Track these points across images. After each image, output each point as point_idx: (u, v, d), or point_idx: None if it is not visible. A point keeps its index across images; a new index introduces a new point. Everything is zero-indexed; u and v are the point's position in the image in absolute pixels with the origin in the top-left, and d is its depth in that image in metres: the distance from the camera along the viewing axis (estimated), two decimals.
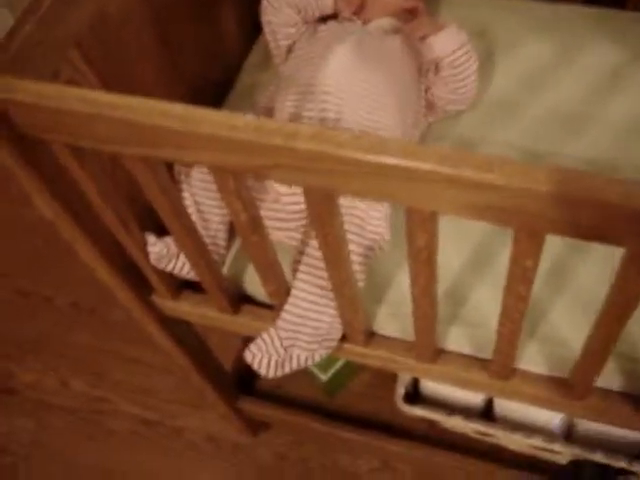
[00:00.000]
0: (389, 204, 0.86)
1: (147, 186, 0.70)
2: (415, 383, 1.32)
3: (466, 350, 0.88)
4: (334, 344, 0.88)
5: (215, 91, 1.12)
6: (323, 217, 0.63)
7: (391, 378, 1.35)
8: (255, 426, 1.56)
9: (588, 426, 1.18)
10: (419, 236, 0.61)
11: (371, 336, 0.91)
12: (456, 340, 0.87)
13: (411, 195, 0.55)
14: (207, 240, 0.88)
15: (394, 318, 0.89)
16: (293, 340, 0.85)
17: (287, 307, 0.84)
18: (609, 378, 0.83)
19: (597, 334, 0.68)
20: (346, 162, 0.54)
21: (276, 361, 0.87)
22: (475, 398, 1.26)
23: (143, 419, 1.71)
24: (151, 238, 0.87)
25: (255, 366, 0.87)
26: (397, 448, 1.40)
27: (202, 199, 0.89)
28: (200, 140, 0.58)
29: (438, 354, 0.87)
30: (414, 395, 1.32)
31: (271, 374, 0.88)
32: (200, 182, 0.88)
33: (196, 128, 0.57)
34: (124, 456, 1.65)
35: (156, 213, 0.77)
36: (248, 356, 0.87)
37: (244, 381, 1.54)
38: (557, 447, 1.15)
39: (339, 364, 1.48)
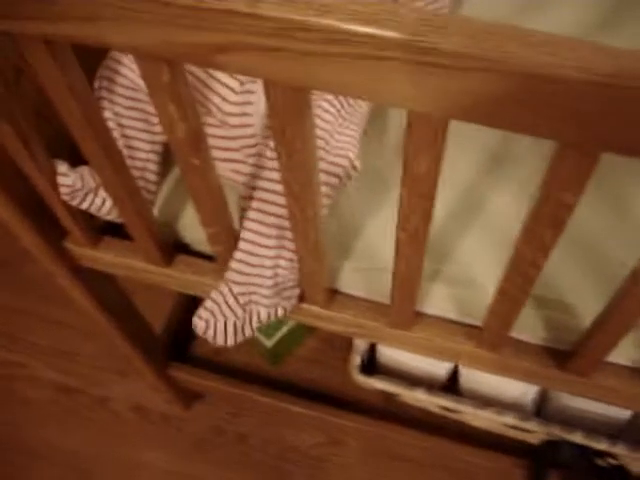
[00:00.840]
0: (360, 124, 0.70)
1: (53, 86, 0.52)
2: (371, 350, 1.17)
3: (450, 314, 0.73)
4: (296, 294, 0.72)
5: None
6: (289, 125, 0.46)
7: (341, 344, 1.20)
8: (188, 397, 1.39)
9: (563, 402, 1.06)
10: (421, 159, 0.44)
11: (333, 295, 0.75)
12: (437, 302, 0.72)
13: (419, 90, 0.39)
14: (134, 173, 0.70)
15: (361, 274, 0.73)
16: (250, 295, 0.69)
17: (238, 255, 0.67)
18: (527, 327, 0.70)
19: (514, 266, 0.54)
20: (331, 34, 0.37)
21: (234, 324, 0.70)
22: (438, 368, 1.12)
23: (63, 386, 1.52)
24: (62, 167, 0.68)
25: (210, 335, 0.70)
26: (347, 422, 1.25)
27: (128, 121, 0.70)
28: (119, 10, 0.40)
29: (415, 318, 0.72)
30: (369, 364, 1.17)
31: (230, 341, 0.71)
32: (125, 99, 0.70)
33: None
34: (39, 429, 1.46)
35: (69, 136, 0.59)
36: (200, 325, 0.69)
37: (176, 346, 1.36)
38: (532, 426, 1.02)
39: (285, 329, 1.31)
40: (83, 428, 1.46)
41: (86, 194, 0.70)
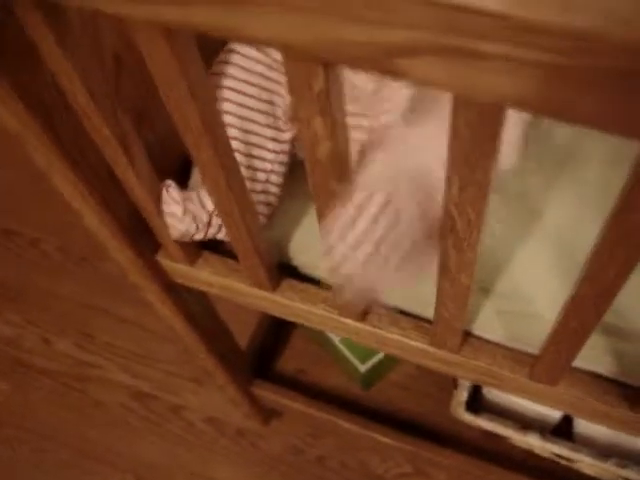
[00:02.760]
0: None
1: (169, 87, 0.42)
2: (477, 385, 1.05)
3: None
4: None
5: None
6: (474, 153, 0.35)
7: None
8: (267, 413, 1.30)
9: None
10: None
11: (466, 338, 0.64)
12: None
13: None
14: (255, 187, 0.61)
15: (505, 317, 0.62)
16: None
17: None
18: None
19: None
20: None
21: None
22: (553, 411, 1.00)
23: (136, 391, 1.45)
24: (174, 206, 0.59)
25: None
26: (439, 457, 1.14)
27: (251, 113, 0.60)
28: None
29: (564, 373, 0.60)
30: (474, 399, 1.06)
31: None
32: (249, 86, 0.60)
33: None
34: (108, 433, 1.39)
35: (174, 146, 0.49)
36: None
37: (260, 361, 1.28)
38: None
39: (381, 354, 1.20)
40: (154, 436, 1.39)
41: (200, 231, 0.62)
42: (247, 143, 0.59)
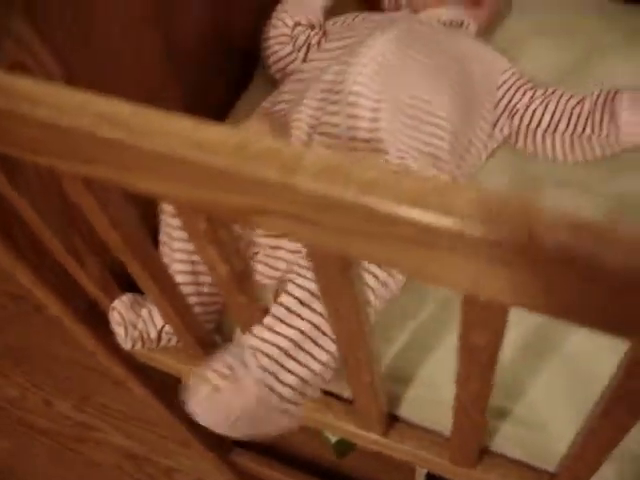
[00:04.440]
0: None
1: (95, 220, 0.49)
2: None
3: (516, 454, 0.66)
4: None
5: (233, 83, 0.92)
6: (334, 287, 0.42)
7: None
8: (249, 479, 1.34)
9: None
10: (478, 333, 0.39)
11: (393, 423, 0.69)
12: (504, 442, 0.65)
13: (472, 280, 0.33)
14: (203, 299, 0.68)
15: (421, 403, 0.67)
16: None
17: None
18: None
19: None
20: (372, 217, 0.33)
21: None
22: None
23: (130, 453, 1.50)
24: (117, 327, 0.68)
25: None
26: None
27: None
28: (151, 160, 0.37)
29: (479, 458, 0.66)
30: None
31: None
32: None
33: (144, 142, 0.36)
34: None
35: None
36: None
37: None
38: None
39: None
40: None
41: (145, 345, 0.69)
42: (195, 273, 0.66)
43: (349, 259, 0.38)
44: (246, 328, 0.56)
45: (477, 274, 0.32)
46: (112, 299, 0.67)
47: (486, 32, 0.90)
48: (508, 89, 0.80)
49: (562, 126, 0.77)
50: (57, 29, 0.59)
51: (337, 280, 0.40)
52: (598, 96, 0.77)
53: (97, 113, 0.37)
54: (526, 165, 0.80)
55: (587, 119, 0.76)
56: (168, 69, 0.78)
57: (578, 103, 0.78)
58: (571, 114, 0.77)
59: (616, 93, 0.76)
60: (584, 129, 0.76)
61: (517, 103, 0.79)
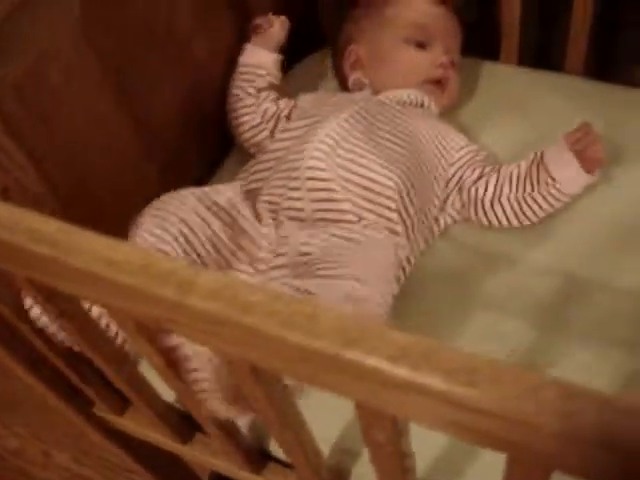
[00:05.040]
0: None
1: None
2: None
3: None
4: None
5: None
6: (251, 391, 0.45)
7: None
8: None
9: None
10: (377, 432, 0.42)
11: None
12: None
13: (360, 393, 0.37)
14: None
15: None
16: None
17: None
18: None
19: None
20: (260, 336, 0.36)
21: None
22: None
23: None
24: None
25: None
26: None
27: None
28: (75, 273, 0.41)
29: None
30: None
31: None
32: None
33: (66, 257, 0.40)
34: None
35: None
36: None
37: None
38: None
39: None
40: None
41: None
42: None
43: (254, 365, 0.41)
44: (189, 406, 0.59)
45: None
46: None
47: (449, 110, 0.94)
48: (461, 166, 0.85)
49: (506, 190, 0.82)
50: (25, 126, 0.63)
51: (251, 384, 0.43)
52: (534, 156, 0.83)
53: (27, 229, 0.41)
54: (482, 239, 0.84)
55: (525, 178, 0.81)
56: (141, 148, 0.83)
57: (516, 167, 0.83)
58: (511, 178, 0.82)
59: (544, 150, 0.82)
60: (525, 188, 0.81)
61: (467, 179, 0.84)
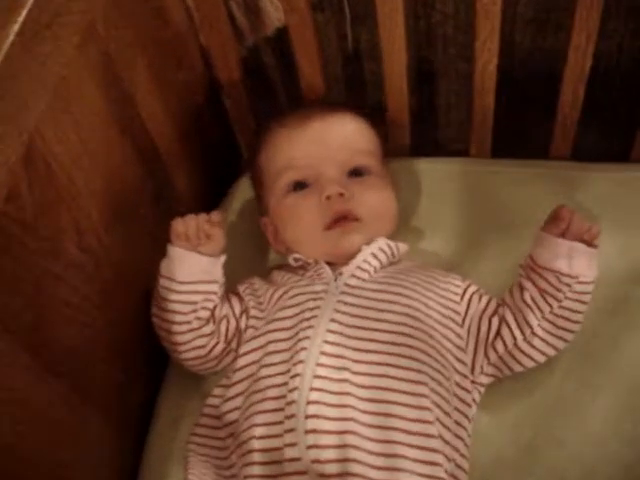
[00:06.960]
0: None
1: None
2: None
3: None
4: None
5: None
6: None
7: None
8: None
9: None
10: None
11: None
12: None
13: None
14: None
15: None
16: None
17: None
18: None
19: None
20: None
21: None
22: None
23: None
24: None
25: None
26: None
27: None
28: None
29: None
30: None
31: None
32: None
33: None
34: None
35: None
36: None
37: None
38: None
39: None
40: None
41: None
42: None
43: None
44: None
45: None
46: None
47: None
48: (472, 318, 0.76)
49: (531, 319, 0.73)
50: None
51: None
52: (525, 270, 0.75)
53: None
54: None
55: (542, 295, 0.73)
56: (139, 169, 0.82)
57: (522, 290, 0.74)
58: (528, 305, 0.73)
59: (531, 259, 0.74)
60: (549, 305, 0.73)
61: (487, 331, 0.75)
